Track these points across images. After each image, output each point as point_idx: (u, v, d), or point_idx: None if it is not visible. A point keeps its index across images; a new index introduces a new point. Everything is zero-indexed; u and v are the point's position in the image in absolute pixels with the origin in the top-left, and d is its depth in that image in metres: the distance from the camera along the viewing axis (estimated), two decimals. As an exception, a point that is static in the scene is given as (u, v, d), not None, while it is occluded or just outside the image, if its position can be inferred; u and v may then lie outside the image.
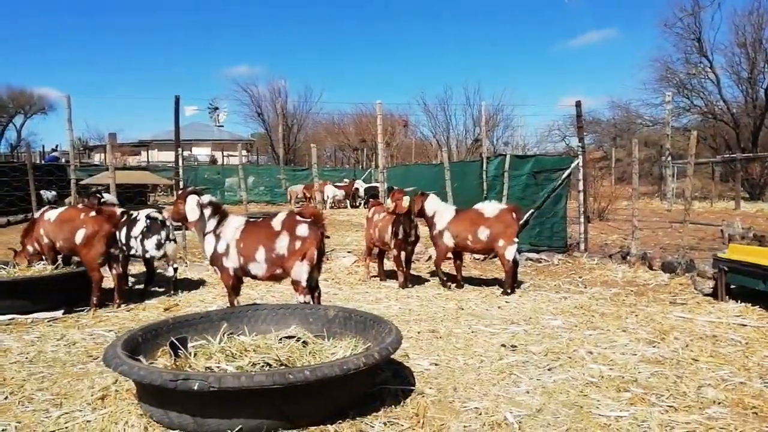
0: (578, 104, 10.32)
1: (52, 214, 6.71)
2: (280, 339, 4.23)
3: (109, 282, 6.67)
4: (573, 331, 5.43)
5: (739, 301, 6.30)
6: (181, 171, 8.98)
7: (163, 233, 7.11)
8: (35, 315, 6.05)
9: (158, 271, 7.96)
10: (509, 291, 7.15)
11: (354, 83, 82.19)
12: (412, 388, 3.88)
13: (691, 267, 7.90)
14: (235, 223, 5.47)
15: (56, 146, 35.13)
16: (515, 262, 7.34)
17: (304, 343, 4.18)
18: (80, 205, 7.27)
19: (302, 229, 5.19)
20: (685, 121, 28.95)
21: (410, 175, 22.48)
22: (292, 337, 4.26)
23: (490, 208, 7.46)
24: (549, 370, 4.27)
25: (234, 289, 5.50)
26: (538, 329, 5.47)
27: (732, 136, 27.24)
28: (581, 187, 10.22)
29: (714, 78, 27.70)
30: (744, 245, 6.84)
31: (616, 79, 77.19)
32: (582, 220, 10.27)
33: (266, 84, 46.98)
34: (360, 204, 24.06)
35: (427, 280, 8.27)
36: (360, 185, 24.19)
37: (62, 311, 6.21)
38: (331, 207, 23.20)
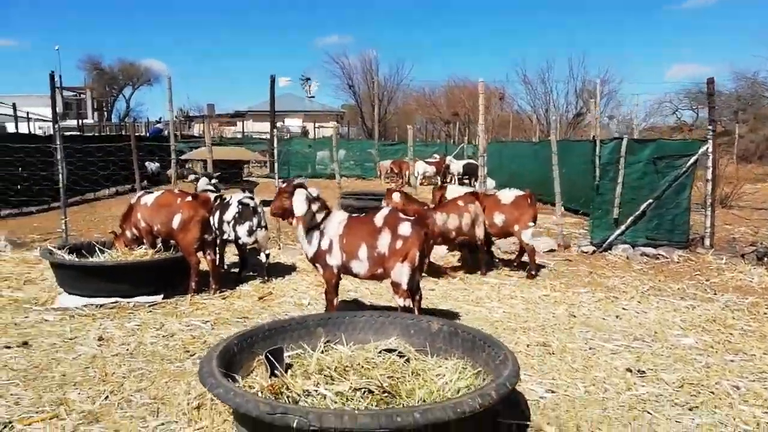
0: (710, 81, 9.10)
1: (149, 199, 6.74)
2: (380, 351, 3.90)
3: (205, 267, 6.65)
4: (709, 353, 4.70)
5: None
6: (275, 151, 8.78)
7: (255, 219, 6.98)
8: (137, 299, 6.12)
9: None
10: (533, 273, 7.55)
11: (447, 54, 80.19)
12: (528, 423, 3.41)
13: None
14: (338, 218, 5.17)
15: (160, 118, 37.02)
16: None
17: (407, 359, 3.82)
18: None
19: (404, 228, 4.79)
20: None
21: (506, 153, 21.51)
22: (393, 350, 3.91)
23: (506, 194, 7.94)
24: (690, 410, 3.64)
25: (335, 287, 5.22)
26: (667, 349, 4.79)
27: None
28: (709, 176, 9.08)
29: None
30: None
31: (738, 47, 69.84)
32: (708, 212, 9.15)
33: (357, 54, 46.77)
34: (451, 180, 23.41)
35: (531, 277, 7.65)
36: (451, 161, 23.48)
37: (162, 296, 6.25)
38: (421, 184, 22.72)
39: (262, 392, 3.14)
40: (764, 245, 8.49)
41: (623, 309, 6.07)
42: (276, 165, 8.55)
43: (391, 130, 38.33)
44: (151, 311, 5.84)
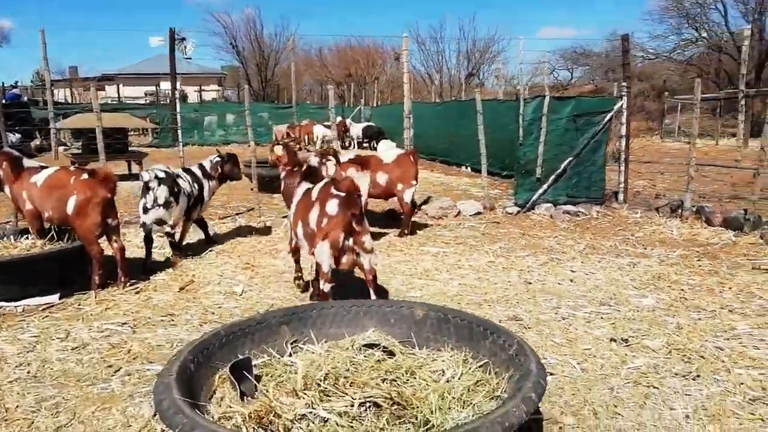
0: (625, 38, 9.25)
1: (39, 177, 5.55)
2: (360, 348, 3.35)
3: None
4: (674, 313, 4.65)
5: (838, 269, 5.59)
6: (179, 117, 7.70)
7: (149, 197, 6.04)
8: (26, 302, 5.01)
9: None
10: (406, 232, 7.53)
11: (336, 12, 77.92)
12: (540, 417, 3.05)
13: (758, 223, 7.17)
14: (302, 187, 4.87)
15: (16, 82, 32.46)
16: (413, 204, 7.76)
17: (390, 353, 3.31)
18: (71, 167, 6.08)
19: (331, 205, 4.19)
20: (688, 54, 27.90)
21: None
22: (375, 345, 3.37)
23: (388, 153, 7.72)
24: (693, 380, 3.48)
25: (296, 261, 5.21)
26: (634, 311, 4.68)
27: (735, 71, 26.39)
28: (623, 132, 9.29)
29: (722, 8, 26.54)
30: None
31: (614, 9, 74.16)
32: (623, 167, 9.41)
33: (238, 12, 43.79)
34: (350, 144, 22.82)
35: (469, 242, 7.38)
36: (351, 124, 22.84)
37: (58, 295, 5.18)
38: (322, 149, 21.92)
39: (245, 423, 2.47)
40: (676, 198, 8.87)
41: (571, 271, 5.95)
42: (179, 132, 7.43)
43: (281, 92, 36.63)
44: (48, 316, 4.79)
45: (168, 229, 6.31)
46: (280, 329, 3.47)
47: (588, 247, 7.05)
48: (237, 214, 9.14)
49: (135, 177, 13.19)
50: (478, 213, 9.01)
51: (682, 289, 5.27)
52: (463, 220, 8.67)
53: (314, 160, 5.46)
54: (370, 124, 21.09)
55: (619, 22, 74.26)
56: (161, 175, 6.15)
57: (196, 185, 6.76)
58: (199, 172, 6.92)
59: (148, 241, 6.24)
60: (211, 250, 6.86)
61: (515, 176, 9.34)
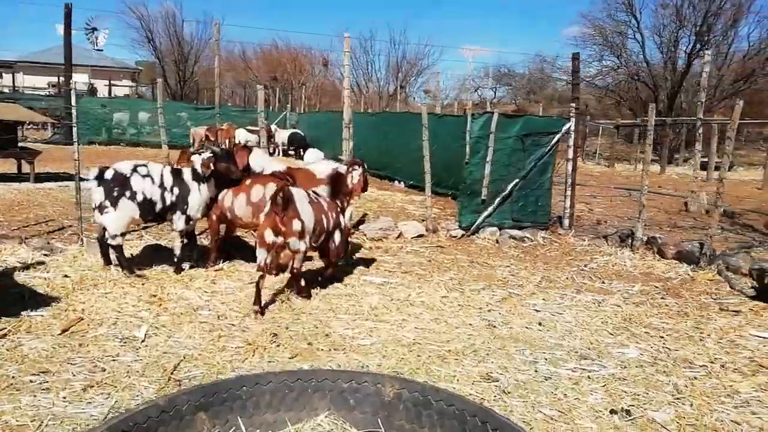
0: (575, 57, 8.86)
1: None
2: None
3: None
4: (664, 369, 4.03)
5: (809, 313, 5.26)
6: (74, 110, 6.39)
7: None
8: None
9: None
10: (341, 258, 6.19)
11: (263, 17, 75.66)
12: None
13: (713, 257, 6.86)
14: None
15: None
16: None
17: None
18: None
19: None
20: (609, 80, 28.92)
21: (336, 123, 20.12)
22: (328, 439, 2.45)
23: (322, 167, 6.70)
24: (725, 473, 2.81)
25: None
26: (621, 368, 4.02)
27: (651, 99, 27.61)
28: (570, 155, 8.88)
29: (640, 38, 27.71)
30: None
31: (538, 32, 76.74)
32: (569, 192, 8.99)
33: (157, 5, 41.10)
34: (276, 152, 21.58)
35: (416, 271, 6.57)
36: (276, 130, 21.64)
37: None
38: (244, 154, 20.54)
39: None
40: (626, 227, 8.52)
41: (535, 311, 5.28)
42: (75, 128, 6.14)
43: (200, 92, 34.61)
44: None
45: (109, 239, 5.61)
46: (194, 419, 2.46)
47: (544, 279, 6.44)
48: (143, 228, 7.80)
49: (25, 178, 11.43)
50: (421, 235, 8.25)
51: (661, 337, 4.70)
52: (405, 243, 7.87)
53: (342, 168, 5.97)
54: (296, 131, 20.00)
55: (541, 45, 77.14)
56: (108, 174, 5.52)
57: (175, 190, 5.76)
58: (188, 175, 5.87)
59: (102, 247, 5.81)
60: (107, 278, 5.61)
61: (459, 197, 8.67)
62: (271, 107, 29.70)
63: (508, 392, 3.57)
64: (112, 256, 5.86)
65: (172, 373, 3.71)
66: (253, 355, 4.02)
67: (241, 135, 20.38)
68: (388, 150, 14.38)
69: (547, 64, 34.32)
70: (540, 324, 4.89)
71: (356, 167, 6.15)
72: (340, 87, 34.70)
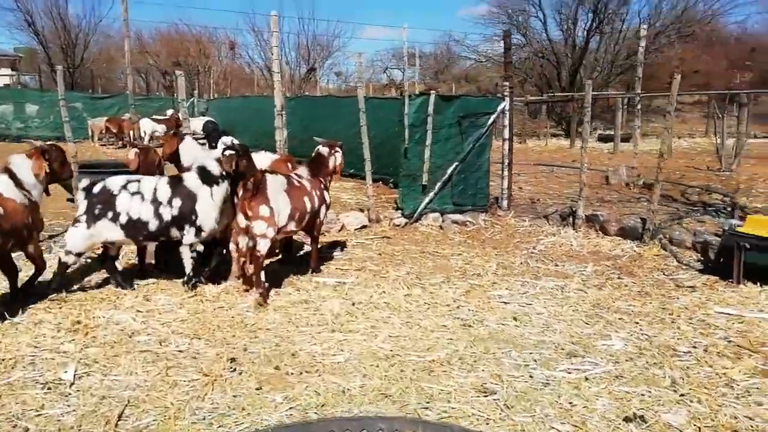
0: (506, 35, 8.72)
1: None
2: None
3: None
4: (653, 361, 3.89)
5: (760, 285, 5.38)
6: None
7: None
8: None
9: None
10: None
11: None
12: None
13: (656, 233, 6.96)
14: None
15: None
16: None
17: None
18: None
19: None
20: (515, 58, 29.55)
21: (250, 108, 19.03)
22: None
23: (261, 158, 6.29)
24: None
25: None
26: (613, 363, 3.83)
27: (554, 76, 28.60)
28: (506, 134, 8.75)
29: (542, 17, 28.48)
30: (763, 216, 5.98)
31: (446, 11, 76.69)
32: (506, 172, 8.87)
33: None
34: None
35: (368, 267, 6.14)
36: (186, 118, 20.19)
37: None
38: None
39: None
40: (567, 206, 8.53)
41: (504, 303, 5.03)
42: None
43: (91, 81, 31.73)
44: None
45: (61, 254, 5.01)
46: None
47: (500, 266, 6.23)
48: (51, 237, 6.78)
49: None
50: (364, 226, 7.82)
51: (636, 322, 4.59)
52: (350, 236, 7.41)
53: (324, 150, 5.87)
54: (209, 119, 18.74)
55: (446, 24, 77.84)
56: (98, 185, 4.95)
57: (174, 202, 4.96)
58: (192, 181, 5.05)
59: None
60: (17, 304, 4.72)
61: (401, 183, 8.29)
62: (174, 95, 27.83)
63: (511, 406, 3.25)
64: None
65: (117, 425, 3.07)
66: (212, 390, 3.44)
67: (146, 125, 18.89)
68: (313, 135, 13.72)
69: (454, 43, 34.59)
70: (515, 319, 4.63)
71: (337, 149, 5.98)
72: (249, 71, 33.19)
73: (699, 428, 3.03)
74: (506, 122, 8.67)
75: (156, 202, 4.94)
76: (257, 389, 3.44)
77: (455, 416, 3.14)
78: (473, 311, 4.81)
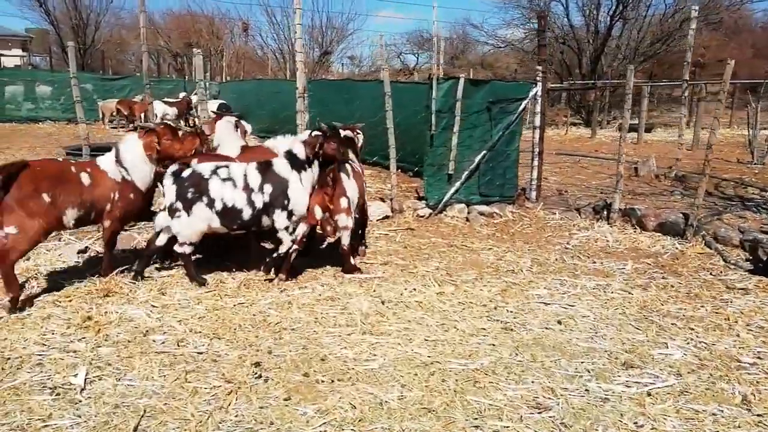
0: (542, 16, 8.22)
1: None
2: None
3: None
4: (718, 374, 3.52)
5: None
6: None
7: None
8: None
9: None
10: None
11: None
12: None
13: (699, 229, 6.55)
14: None
15: None
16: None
17: None
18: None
19: None
20: (534, 45, 28.82)
21: (263, 94, 18.57)
22: None
23: (284, 143, 5.58)
24: None
25: None
26: (675, 377, 3.47)
27: (575, 63, 27.90)
28: (538, 122, 8.32)
29: (564, 1, 27.70)
30: None
31: None
32: (536, 162, 8.47)
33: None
34: (195, 124, 19.86)
35: (395, 261, 5.80)
36: (196, 101, 19.87)
37: None
38: (162, 128, 18.71)
39: None
40: (601, 199, 8.13)
41: (545, 304, 4.67)
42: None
43: (106, 62, 31.38)
44: None
45: (176, 246, 4.84)
46: None
47: (534, 263, 5.87)
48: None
49: None
50: (387, 217, 7.46)
51: (691, 328, 4.22)
52: (372, 227, 7.05)
53: (348, 133, 5.49)
54: (222, 102, 18.40)
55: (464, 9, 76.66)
56: (185, 171, 4.75)
57: (266, 188, 4.77)
58: (282, 165, 4.83)
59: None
60: (24, 296, 4.42)
61: (425, 172, 7.91)
62: (186, 77, 27.48)
63: (570, 426, 2.91)
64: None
65: (132, 438, 2.76)
66: (236, 399, 3.12)
67: (158, 108, 18.56)
68: (333, 121, 13.33)
69: (472, 27, 33.84)
70: (559, 323, 4.27)
71: (358, 132, 5.86)
72: (262, 54, 32.69)
73: (788, 458, 2.67)
74: (538, 109, 8.24)
75: (248, 189, 4.74)
76: (285, 399, 3.13)
77: (508, 437, 2.81)
78: (513, 313, 4.45)
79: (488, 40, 31.91)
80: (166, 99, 19.60)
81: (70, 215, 4.43)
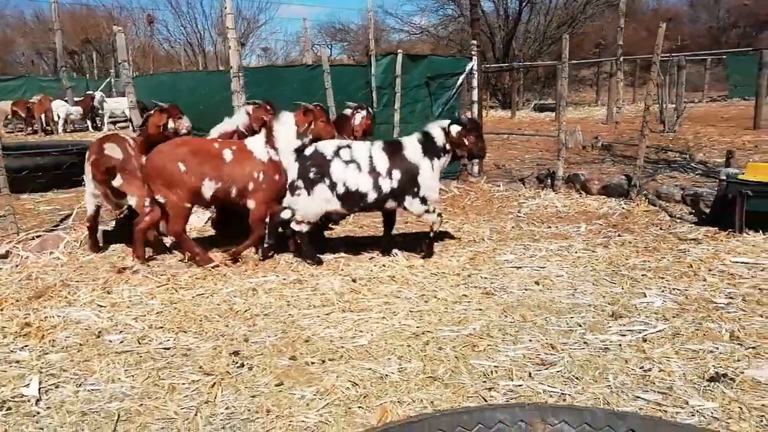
0: (473, -9, 8.19)
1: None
2: None
3: None
4: (701, 315, 3.59)
5: (761, 232, 5.25)
6: None
7: None
8: None
9: None
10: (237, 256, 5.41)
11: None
12: None
13: (641, 189, 6.78)
14: None
15: None
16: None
17: None
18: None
19: None
20: (451, 30, 29.28)
21: (179, 88, 17.48)
22: None
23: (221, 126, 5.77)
24: None
25: None
26: (664, 322, 3.50)
27: (488, 47, 28.54)
28: (475, 96, 8.34)
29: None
30: (762, 163, 5.86)
31: None
32: (477, 137, 8.46)
33: None
34: (102, 125, 18.54)
35: (348, 238, 5.57)
36: (104, 99, 18.58)
37: None
38: (67, 130, 17.35)
39: None
40: (546, 170, 8.26)
41: (516, 268, 4.61)
42: None
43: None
44: None
45: (293, 224, 4.72)
46: None
47: (493, 231, 5.84)
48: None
49: None
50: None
51: (661, 278, 4.30)
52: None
53: (348, 111, 5.87)
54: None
55: None
56: (311, 149, 4.66)
57: (394, 173, 4.60)
58: (413, 149, 4.67)
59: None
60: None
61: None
62: (87, 74, 25.65)
63: (580, 377, 2.83)
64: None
65: (110, 447, 2.40)
66: (222, 391, 2.80)
67: (60, 107, 17.19)
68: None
69: (387, 15, 33.83)
70: (537, 283, 4.22)
71: (360, 110, 5.97)
72: (169, 48, 31.00)
73: (794, 383, 2.72)
74: (474, 83, 8.25)
75: (374, 173, 4.57)
76: (277, 385, 2.84)
77: (524, 395, 2.69)
78: (488, 278, 4.36)
79: (403, 27, 31.99)
80: (68, 98, 18.14)
81: (207, 188, 4.51)
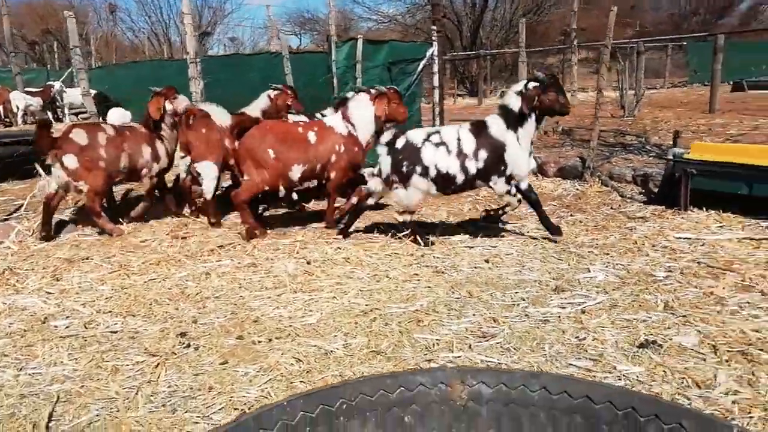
0: (431, -25, 8.21)
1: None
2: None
3: None
4: (640, 288, 3.72)
5: (705, 209, 5.44)
6: None
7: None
8: None
9: None
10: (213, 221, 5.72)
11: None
12: None
13: (595, 171, 6.94)
14: None
15: None
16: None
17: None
18: None
19: None
20: (418, 18, 29.26)
21: (143, 78, 17.18)
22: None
23: (219, 113, 5.64)
24: (800, 389, 2.48)
25: None
26: (604, 295, 3.62)
27: (456, 36, 28.64)
28: (436, 82, 8.39)
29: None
30: (706, 143, 6.05)
31: None
32: (438, 123, 8.55)
33: None
34: (63, 116, 18.12)
35: (316, 221, 5.59)
36: (64, 90, 18.13)
37: None
38: (27, 122, 16.89)
39: None
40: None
41: (469, 248, 4.71)
42: None
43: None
44: None
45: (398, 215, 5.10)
46: None
47: (450, 214, 5.97)
48: None
49: None
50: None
51: (606, 254, 4.43)
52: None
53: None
54: (94, 91, 16.83)
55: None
56: (401, 140, 4.67)
57: (480, 154, 4.55)
58: (497, 126, 4.56)
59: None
60: None
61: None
62: (48, 65, 24.94)
63: (518, 348, 2.92)
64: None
65: (48, 427, 2.40)
66: (166, 371, 2.82)
67: (18, 99, 16.72)
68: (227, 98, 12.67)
69: (354, 4, 33.59)
70: (487, 261, 4.32)
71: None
72: (133, 38, 30.31)
73: (714, 346, 2.85)
74: (435, 69, 8.30)
75: (462, 155, 4.56)
76: (222, 364, 2.87)
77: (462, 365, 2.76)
78: (440, 258, 4.44)
79: (371, 15, 31.86)
80: (27, 89, 17.66)
81: (296, 171, 4.99)
